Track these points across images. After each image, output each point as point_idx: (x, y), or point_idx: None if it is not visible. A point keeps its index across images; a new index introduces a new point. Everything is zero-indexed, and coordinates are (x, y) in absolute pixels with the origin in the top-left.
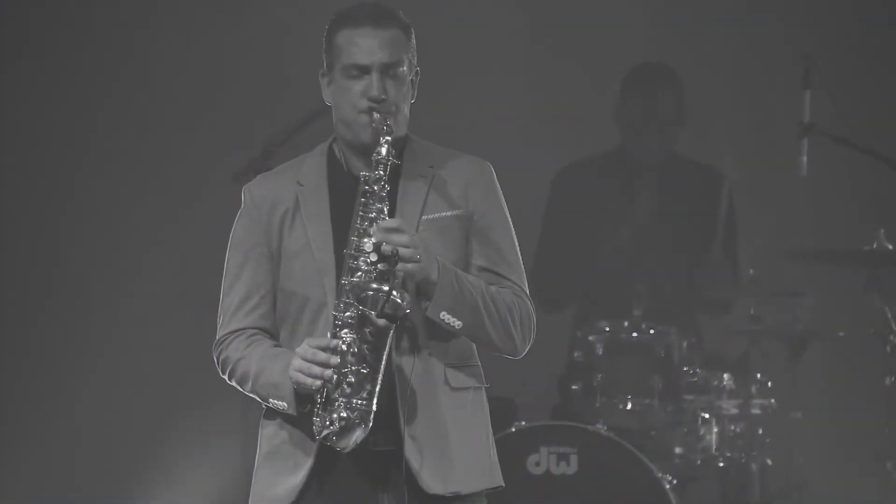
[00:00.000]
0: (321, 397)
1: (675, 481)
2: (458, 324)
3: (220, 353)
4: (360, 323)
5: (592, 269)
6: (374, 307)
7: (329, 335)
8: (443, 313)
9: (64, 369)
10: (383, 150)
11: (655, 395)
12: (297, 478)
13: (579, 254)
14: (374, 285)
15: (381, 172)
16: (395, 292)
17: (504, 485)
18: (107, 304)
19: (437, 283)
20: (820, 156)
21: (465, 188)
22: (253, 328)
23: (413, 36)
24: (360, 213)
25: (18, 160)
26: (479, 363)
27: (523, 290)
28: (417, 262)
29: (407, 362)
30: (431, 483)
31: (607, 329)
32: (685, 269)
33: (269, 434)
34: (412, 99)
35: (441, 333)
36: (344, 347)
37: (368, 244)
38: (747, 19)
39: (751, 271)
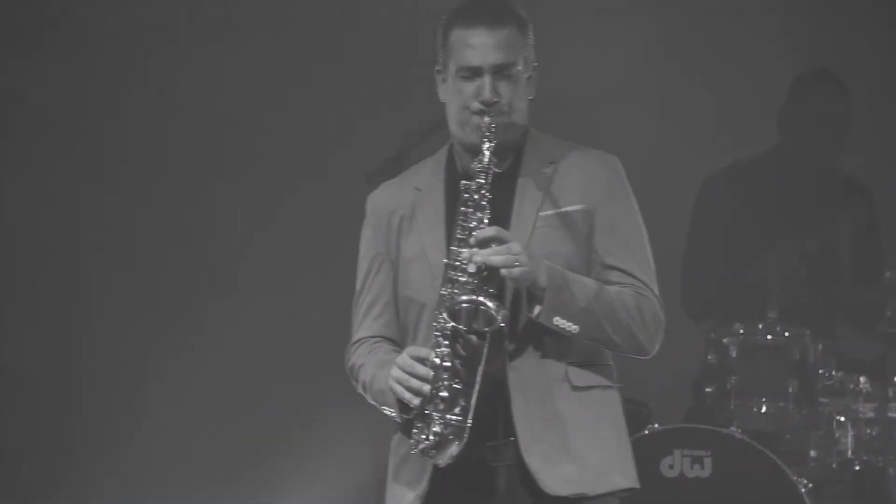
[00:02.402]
0: (418, 409)
1: (810, 485)
2: (573, 328)
3: (347, 362)
4: (452, 337)
5: (729, 271)
6: (464, 321)
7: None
8: (556, 318)
9: (199, 370)
10: (485, 159)
11: (790, 398)
12: (417, 491)
13: (721, 257)
14: (465, 297)
15: (482, 180)
16: (490, 303)
17: (639, 486)
18: (247, 303)
19: (547, 288)
20: None
21: (586, 182)
22: (376, 336)
23: (530, 31)
24: (461, 223)
25: (147, 158)
26: (611, 362)
27: (649, 286)
28: (520, 267)
29: (523, 364)
30: (553, 485)
31: (741, 331)
32: (822, 272)
33: (395, 446)
34: (531, 96)
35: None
36: (437, 361)
37: (466, 254)
38: (888, 19)
39: (887, 274)
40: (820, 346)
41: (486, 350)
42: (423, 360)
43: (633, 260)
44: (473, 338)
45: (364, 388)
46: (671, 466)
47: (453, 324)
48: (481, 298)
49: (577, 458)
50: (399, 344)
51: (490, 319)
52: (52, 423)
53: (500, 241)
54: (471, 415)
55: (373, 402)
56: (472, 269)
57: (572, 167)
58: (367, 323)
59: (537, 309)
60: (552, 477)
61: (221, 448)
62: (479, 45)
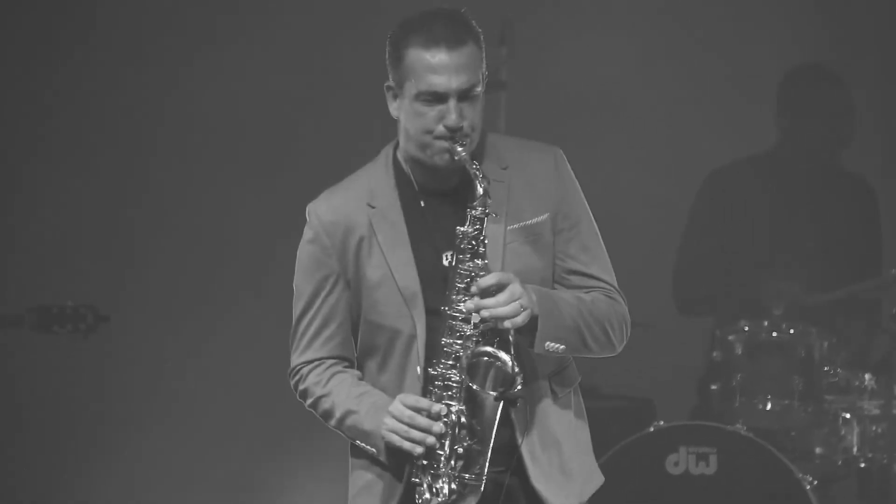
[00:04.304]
0: (420, 460)
1: (815, 482)
2: (561, 348)
3: (296, 383)
4: (468, 396)
5: (733, 268)
6: (488, 384)
7: (428, 393)
8: (547, 343)
9: (171, 385)
10: (478, 208)
11: (796, 396)
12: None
13: (722, 253)
14: (481, 351)
15: (479, 227)
16: (508, 362)
17: (604, 479)
18: (223, 319)
19: (539, 316)
20: None
21: (541, 186)
22: (331, 358)
23: (483, 42)
24: (459, 271)
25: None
26: (572, 359)
27: (614, 287)
28: (524, 312)
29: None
30: (555, 499)
31: (747, 328)
32: (826, 269)
33: (361, 468)
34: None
35: None
36: (454, 418)
37: (470, 304)
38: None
39: (893, 271)
40: (825, 344)
41: (500, 409)
42: (421, 411)
43: (594, 262)
44: (491, 399)
45: (326, 416)
46: (676, 464)
47: (474, 385)
48: (502, 360)
49: (568, 469)
50: (352, 364)
51: (509, 379)
52: (62, 428)
53: (501, 286)
54: (486, 472)
55: (337, 431)
56: (476, 319)
57: (524, 170)
58: (317, 344)
59: (528, 337)
60: (552, 490)
61: (226, 456)
62: (441, 68)
